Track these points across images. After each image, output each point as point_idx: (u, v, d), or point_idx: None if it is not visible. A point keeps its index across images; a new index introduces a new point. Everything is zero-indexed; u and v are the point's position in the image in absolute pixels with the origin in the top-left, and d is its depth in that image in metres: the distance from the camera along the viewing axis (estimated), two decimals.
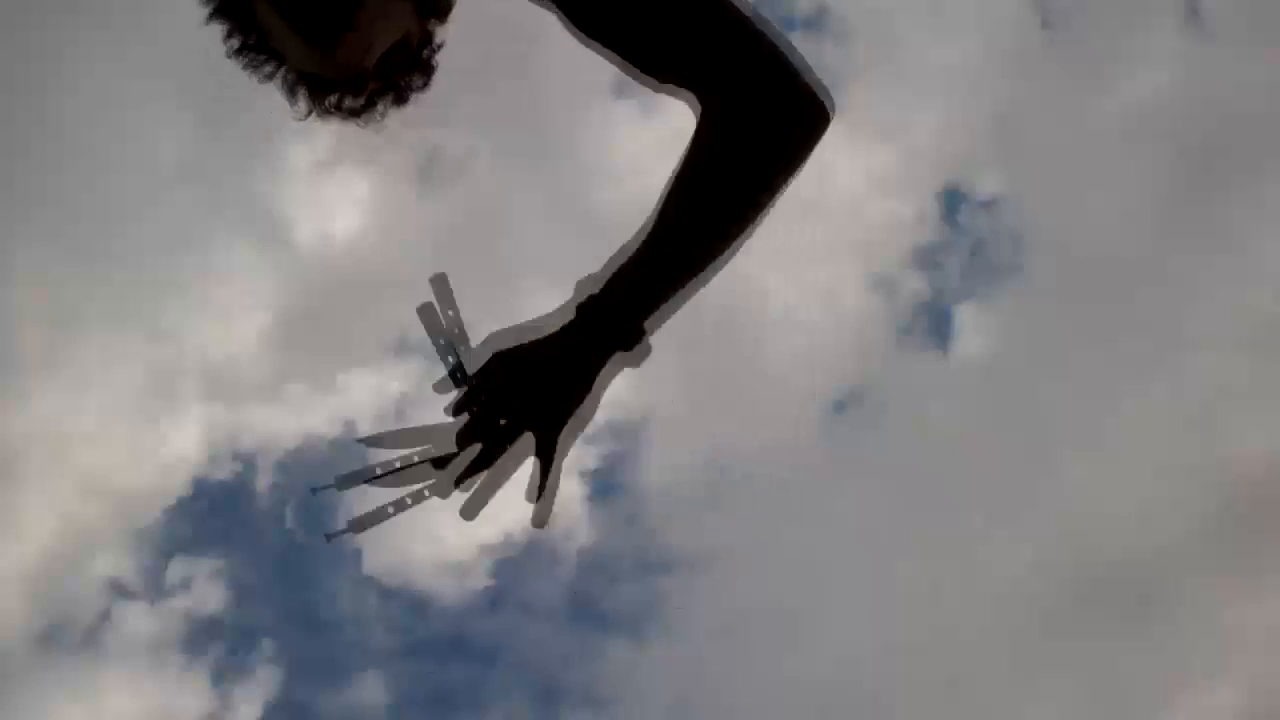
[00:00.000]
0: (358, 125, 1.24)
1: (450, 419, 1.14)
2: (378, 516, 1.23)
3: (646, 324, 1.11)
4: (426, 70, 1.24)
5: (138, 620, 7.22)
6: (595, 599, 7.46)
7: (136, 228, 7.39)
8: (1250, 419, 7.01)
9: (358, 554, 7.51)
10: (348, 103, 1.22)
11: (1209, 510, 6.88)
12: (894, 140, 7.98)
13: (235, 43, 1.21)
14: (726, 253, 1.12)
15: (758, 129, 1.09)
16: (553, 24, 1.21)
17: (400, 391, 7.66)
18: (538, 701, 7.37)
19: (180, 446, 7.42)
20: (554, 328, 1.11)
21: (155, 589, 7.24)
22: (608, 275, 1.11)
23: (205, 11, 1.21)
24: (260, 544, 7.62)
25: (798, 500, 7.59)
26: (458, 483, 1.14)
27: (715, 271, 1.13)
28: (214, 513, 7.50)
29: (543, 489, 1.13)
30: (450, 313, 1.19)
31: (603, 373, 1.11)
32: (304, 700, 7.24)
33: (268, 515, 7.51)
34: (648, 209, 1.13)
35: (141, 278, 7.55)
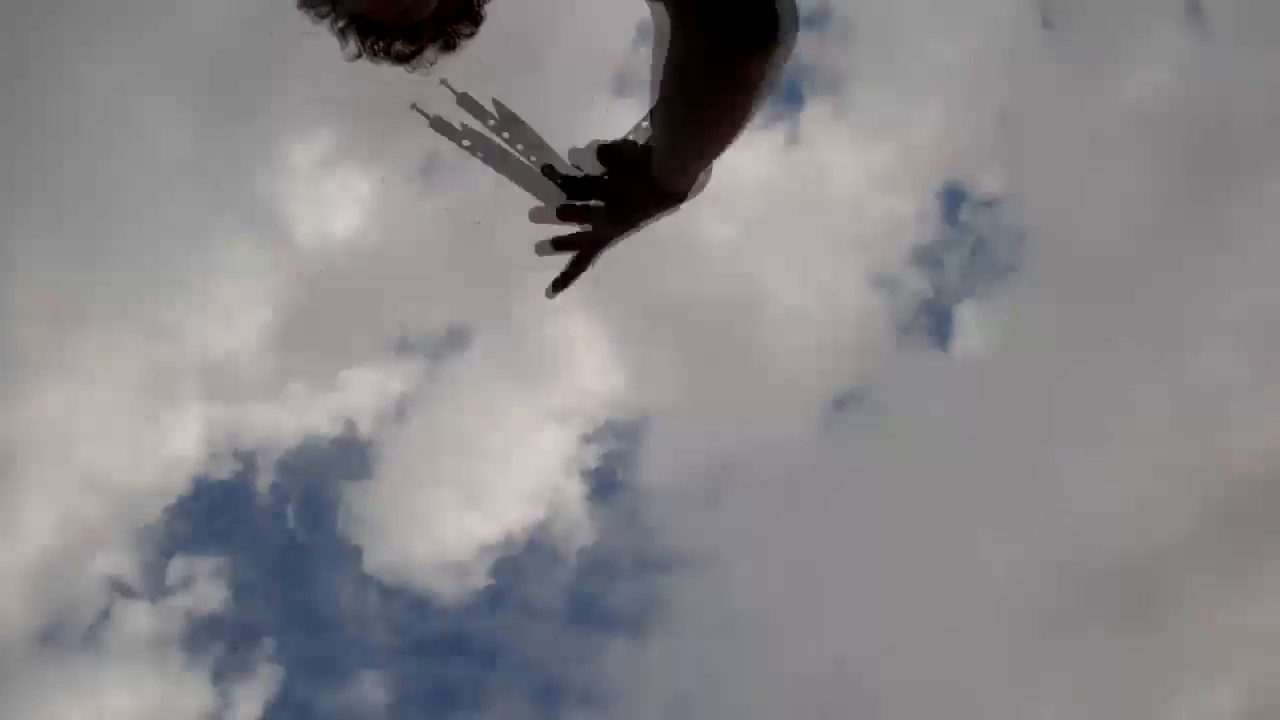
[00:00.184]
0: (406, 70, 1.25)
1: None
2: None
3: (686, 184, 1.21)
4: (476, 20, 1.26)
5: (138, 618, 7.24)
6: (595, 598, 7.48)
7: (137, 226, 7.40)
8: (1250, 419, 7.02)
9: (358, 553, 7.52)
10: (398, 47, 1.23)
11: (1208, 510, 6.89)
12: (895, 139, 7.98)
13: None
14: (723, 136, 1.19)
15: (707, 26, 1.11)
16: (554, 22, 1.22)
17: (401, 390, 7.68)
18: (537, 700, 7.38)
19: (181, 445, 7.43)
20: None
21: (156, 587, 7.26)
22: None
23: None
24: (261, 543, 7.64)
25: (797, 499, 7.59)
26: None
27: (727, 143, 1.20)
28: (215, 511, 7.52)
29: (572, 275, 1.24)
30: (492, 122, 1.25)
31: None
32: (304, 698, 7.25)
33: (268, 514, 7.53)
34: None
35: (142, 276, 7.56)
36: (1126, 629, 6.99)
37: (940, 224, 7.69)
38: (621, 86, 6.88)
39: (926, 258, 7.77)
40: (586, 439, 7.50)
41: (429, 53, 1.25)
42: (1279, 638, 6.72)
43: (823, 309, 7.98)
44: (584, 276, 1.26)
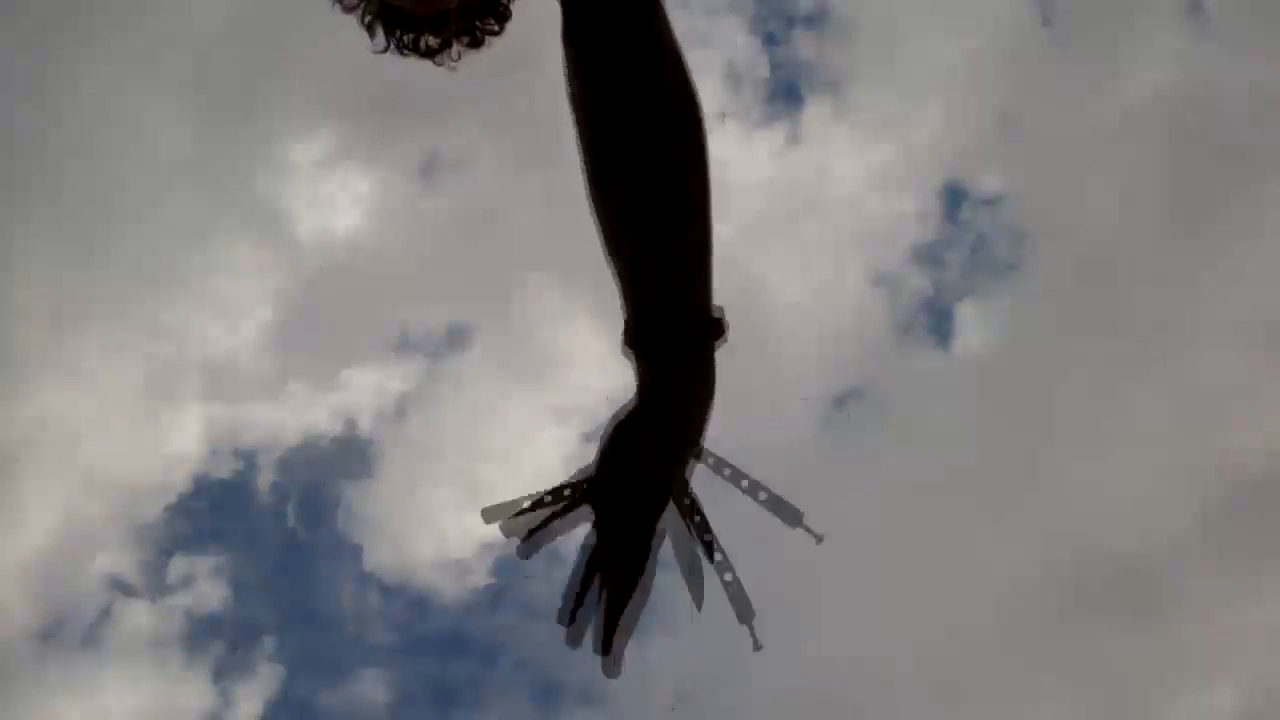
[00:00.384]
0: (433, 64, 1.25)
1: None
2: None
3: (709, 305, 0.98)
4: (503, 17, 1.25)
5: (139, 617, 7.23)
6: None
7: (137, 225, 7.40)
8: (1250, 418, 7.02)
9: (359, 552, 7.52)
10: (425, 41, 1.23)
11: (1208, 510, 6.89)
12: (895, 137, 7.98)
13: None
14: (687, 206, 0.95)
15: (591, 55, 0.95)
16: (554, 20, 1.22)
17: (401, 389, 7.68)
18: (538, 698, 7.38)
19: (181, 444, 7.43)
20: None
21: (156, 586, 7.26)
22: (636, 303, 0.97)
23: None
24: (261, 541, 7.64)
25: (797, 497, 7.57)
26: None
27: (699, 224, 0.96)
28: (215, 510, 7.52)
29: (617, 628, 1.03)
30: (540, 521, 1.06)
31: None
32: (305, 697, 7.25)
33: (269, 513, 7.53)
34: None
35: (142, 275, 7.56)
36: (1126, 628, 7.00)
37: (940, 223, 7.70)
38: None
39: (927, 256, 7.77)
40: (587, 438, 7.50)
41: (455, 47, 1.25)
42: (1279, 637, 6.72)
43: (823, 307, 7.98)
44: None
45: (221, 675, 7.11)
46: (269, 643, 7.26)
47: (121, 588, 7.24)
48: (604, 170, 0.96)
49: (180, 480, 7.32)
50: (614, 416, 0.99)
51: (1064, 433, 7.48)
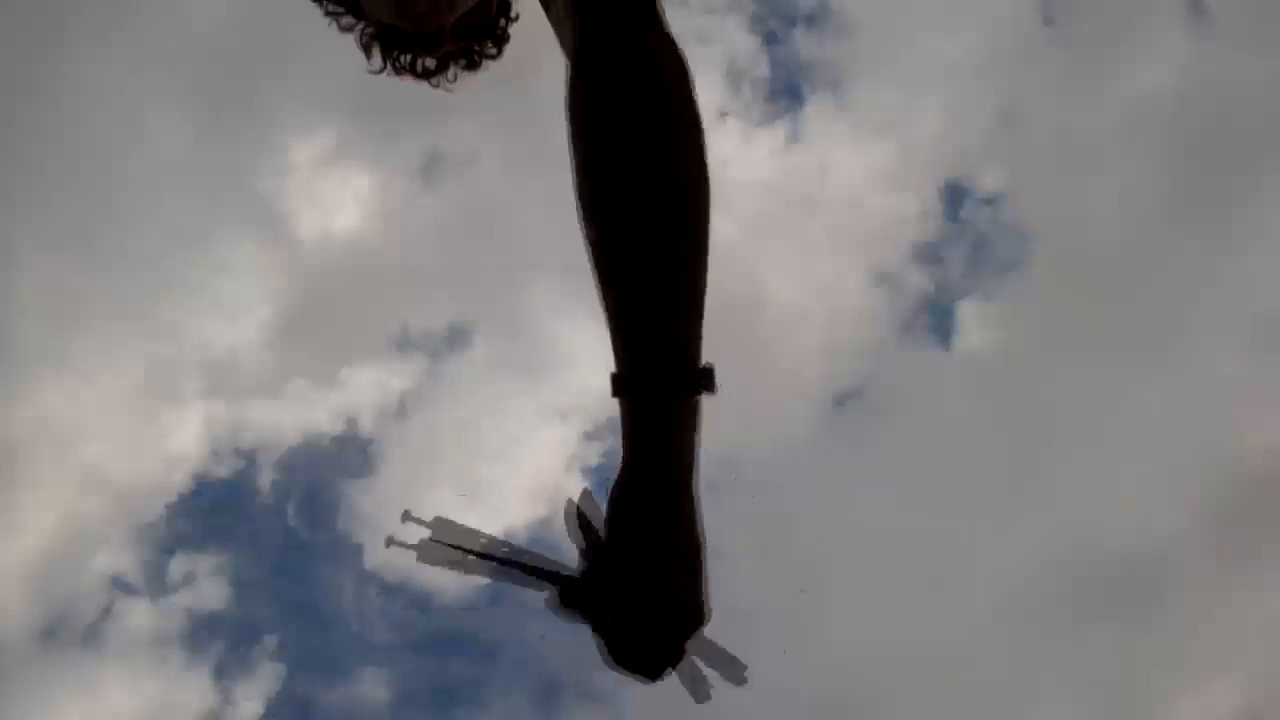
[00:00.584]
0: (429, 85, 1.25)
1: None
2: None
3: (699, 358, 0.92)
4: (500, 40, 1.24)
5: (139, 616, 7.23)
6: None
7: (138, 223, 7.40)
8: (1251, 415, 7.01)
9: (359, 550, 7.52)
10: (421, 63, 1.23)
11: (1210, 507, 6.89)
12: (896, 136, 7.98)
13: None
14: (687, 242, 0.91)
15: (606, 92, 0.90)
16: (519, 17, 1.22)
17: (402, 388, 7.68)
18: (538, 697, 7.38)
19: (182, 443, 7.43)
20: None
21: (157, 585, 7.25)
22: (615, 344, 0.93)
23: None
24: (262, 540, 7.63)
25: (798, 496, 7.59)
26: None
27: (694, 265, 0.91)
28: (216, 509, 7.52)
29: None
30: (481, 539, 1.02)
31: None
32: (305, 696, 7.25)
33: (269, 511, 7.52)
34: None
35: (143, 274, 7.56)
36: (1126, 627, 7.00)
37: (942, 221, 7.69)
38: None
39: (928, 255, 7.77)
40: (588, 436, 7.51)
41: (452, 69, 1.25)
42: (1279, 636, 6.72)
43: (823, 306, 7.98)
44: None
45: (222, 674, 7.11)
46: (270, 642, 7.27)
47: (122, 587, 7.24)
48: (603, 205, 0.90)
49: (181, 479, 7.33)
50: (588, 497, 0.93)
51: (1064, 431, 7.49)
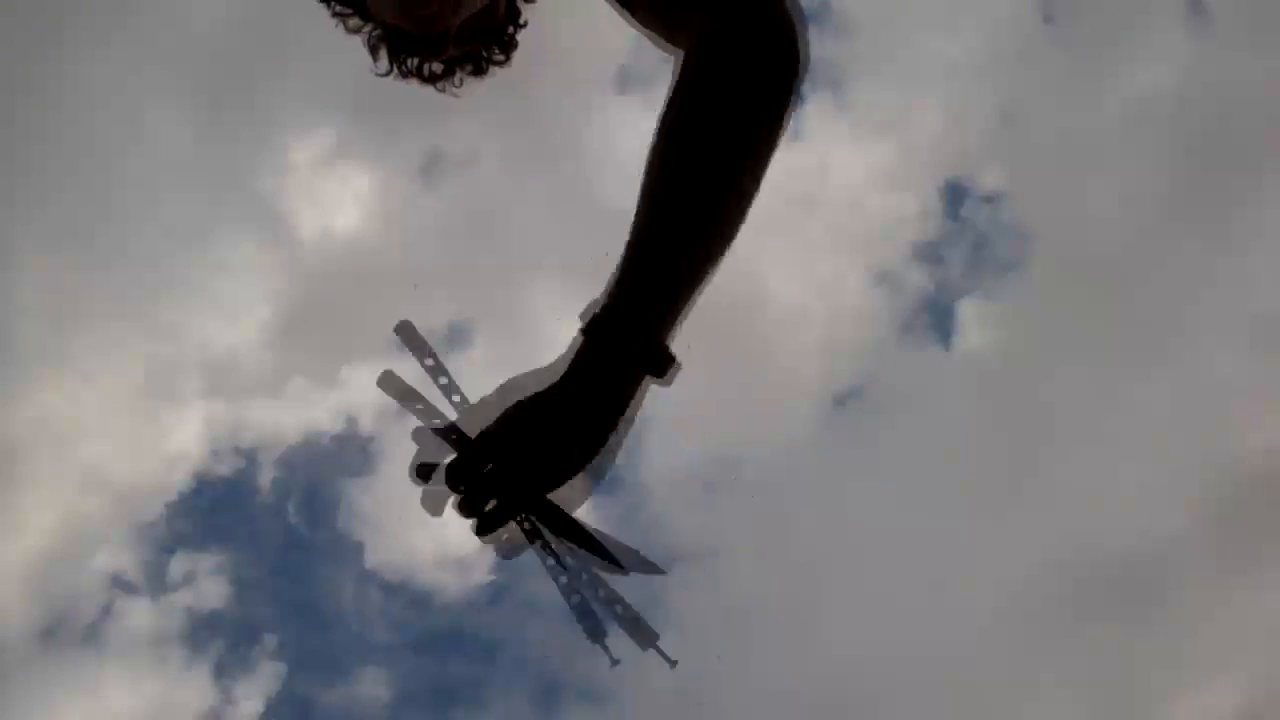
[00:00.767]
0: (435, 90, 1.24)
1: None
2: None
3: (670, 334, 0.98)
4: (508, 46, 1.24)
5: (140, 615, 7.24)
6: None
7: (138, 223, 7.40)
8: (1252, 415, 7.02)
9: (359, 549, 7.52)
10: (427, 67, 1.22)
11: (1210, 507, 6.89)
12: (896, 135, 7.98)
13: None
14: (730, 229, 0.99)
15: (735, 61, 0.99)
16: (556, 18, 1.22)
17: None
18: (538, 696, 7.38)
19: (182, 442, 7.43)
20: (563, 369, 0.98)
21: (157, 584, 7.26)
22: (612, 290, 0.98)
23: None
24: (262, 539, 7.64)
25: (798, 495, 7.59)
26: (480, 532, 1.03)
27: (721, 256, 1.00)
28: (216, 508, 7.52)
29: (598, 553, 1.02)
30: (429, 362, 1.09)
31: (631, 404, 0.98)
32: (306, 695, 7.25)
33: (270, 511, 7.53)
34: None
35: (143, 272, 7.56)
36: (1126, 627, 7.00)
37: (942, 221, 7.70)
38: (625, 82, 6.88)
39: (928, 254, 7.77)
40: None
41: (458, 74, 1.25)
42: (1279, 636, 6.72)
43: (823, 305, 7.98)
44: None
45: (222, 673, 7.12)
46: (270, 640, 7.27)
47: (122, 586, 7.25)
48: (674, 165, 0.97)
49: (181, 478, 7.33)
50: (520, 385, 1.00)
51: (1064, 431, 7.49)
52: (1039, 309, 7.73)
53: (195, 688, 7.07)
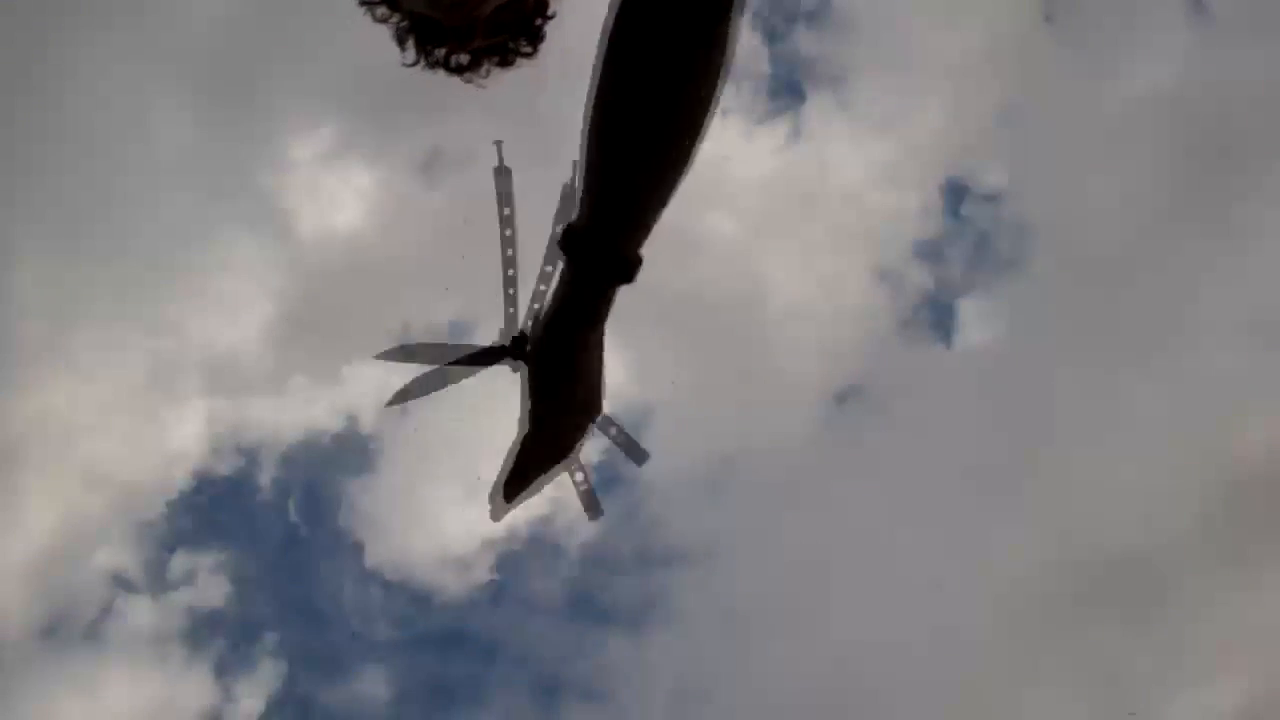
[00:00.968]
0: (462, 81, 1.24)
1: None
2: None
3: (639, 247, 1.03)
4: (535, 38, 1.24)
5: (140, 613, 7.24)
6: (596, 593, 7.48)
7: (139, 221, 7.40)
8: (1252, 414, 7.01)
9: (359, 548, 7.52)
10: (455, 58, 1.22)
11: (1210, 506, 6.89)
12: (897, 133, 7.98)
13: None
14: (681, 138, 1.00)
15: None
16: (556, 23, 1.21)
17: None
18: (538, 694, 7.38)
19: (182, 440, 7.43)
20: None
21: (158, 582, 7.26)
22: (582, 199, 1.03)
23: None
24: (263, 538, 7.64)
25: (798, 494, 7.59)
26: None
27: (675, 171, 1.01)
28: (216, 506, 7.52)
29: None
30: (508, 232, 1.22)
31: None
32: (306, 693, 7.26)
33: (270, 509, 7.53)
34: None
35: (143, 271, 7.56)
36: (1126, 626, 7.00)
37: (942, 219, 7.70)
38: None
39: (929, 252, 7.77)
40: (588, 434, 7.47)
41: (485, 65, 1.24)
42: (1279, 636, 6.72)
43: (824, 303, 7.98)
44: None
45: (223, 671, 7.12)
46: (270, 639, 7.28)
47: (123, 584, 7.25)
48: (619, 75, 0.99)
49: (182, 476, 7.34)
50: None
51: (1065, 429, 7.49)
52: (1039, 307, 7.74)
53: (196, 686, 7.08)
